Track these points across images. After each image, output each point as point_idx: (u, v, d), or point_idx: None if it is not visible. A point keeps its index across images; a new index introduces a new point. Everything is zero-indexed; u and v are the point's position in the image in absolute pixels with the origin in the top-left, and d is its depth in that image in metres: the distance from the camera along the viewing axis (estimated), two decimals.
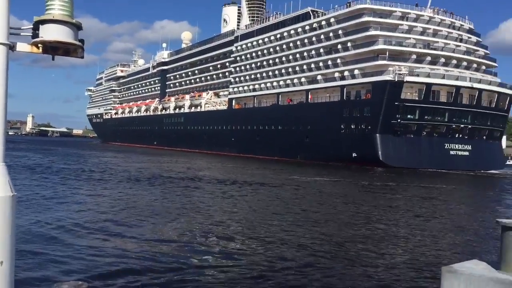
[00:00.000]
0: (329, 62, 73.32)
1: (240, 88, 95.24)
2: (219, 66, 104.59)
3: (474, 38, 72.56)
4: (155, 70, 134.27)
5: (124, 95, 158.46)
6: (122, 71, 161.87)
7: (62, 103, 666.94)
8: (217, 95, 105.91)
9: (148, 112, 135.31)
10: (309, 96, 76.05)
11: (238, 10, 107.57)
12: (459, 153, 65.39)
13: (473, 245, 15.43)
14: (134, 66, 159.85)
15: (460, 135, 65.98)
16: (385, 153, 61.42)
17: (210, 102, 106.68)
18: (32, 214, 16.93)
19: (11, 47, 3.53)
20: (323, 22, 74.75)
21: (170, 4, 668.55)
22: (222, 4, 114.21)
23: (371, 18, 66.03)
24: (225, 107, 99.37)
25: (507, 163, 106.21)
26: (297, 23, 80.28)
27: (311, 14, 77.76)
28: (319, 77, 75.03)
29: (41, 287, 8.98)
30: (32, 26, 3.79)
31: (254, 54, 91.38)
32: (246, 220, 18.09)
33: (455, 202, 29.55)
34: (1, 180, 3.25)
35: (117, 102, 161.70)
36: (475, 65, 69.78)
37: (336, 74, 71.31)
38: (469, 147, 66.01)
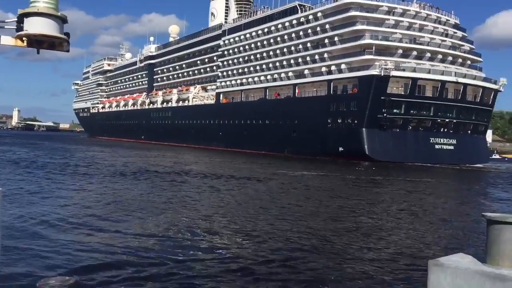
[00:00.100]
0: (316, 57, 73.50)
1: (228, 82, 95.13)
2: (206, 60, 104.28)
3: (459, 33, 73.13)
4: (142, 64, 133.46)
5: (111, 89, 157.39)
6: (109, 64, 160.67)
7: (48, 97, 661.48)
8: (204, 89, 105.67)
9: (136, 106, 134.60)
10: (297, 91, 76.22)
11: (226, 4, 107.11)
12: (444, 147, 66.04)
13: (459, 239, 15.56)
14: (121, 59, 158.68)
15: (445, 130, 66.58)
16: (371, 147, 61.84)
17: (197, 96, 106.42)
18: (16, 209, 16.80)
19: None
20: (310, 17, 74.84)
21: None
22: None
23: (358, 13, 66.22)
24: (212, 101, 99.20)
25: (493, 157, 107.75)
26: (285, 17, 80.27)
27: (299, 8, 77.79)
28: (306, 72, 75.20)
29: (26, 283, 8.93)
30: (16, 19, 3.70)
31: (241, 48, 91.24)
32: (232, 214, 18.09)
33: (441, 196, 29.76)
34: None
35: (104, 96, 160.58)
36: (460, 60, 70.35)
37: (323, 69, 71.51)
38: (454, 141, 66.67)
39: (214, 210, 19.00)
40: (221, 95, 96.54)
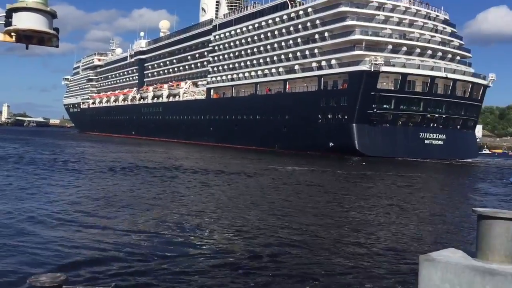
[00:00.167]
0: (307, 52, 73.62)
1: (219, 78, 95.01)
2: (197, 55, 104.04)
3: (449, 29, 73.55)
4: (133, 59, 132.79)
5: (101, 84, 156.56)
6: (99, 60, 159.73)
7: (38, 92, 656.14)
8: (195, 84, 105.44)
9: (126, 101, 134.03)
10: (287, 86, 76.32)
11: None
12: (434, 142, 66.51)
13: (449, 233, 15.61)
14: (112, 55, 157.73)
15: (435, 125, 67.03)
16: (362, 143, 62.14)
17: (188, 91, 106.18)
18: (4, 205, 16.69)
19: None
20: (301, 12, 74.88)
21: None
22: None
23: (348, 8, 66.35)
24: (203, 97, 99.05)
25: (483, 152, 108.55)
26: (275, 12, 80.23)
27: (289, 3, 77.73)
28: (296, 67, 75.32)
29: (16, 280, 8.87)
30: (4, 14, 3.65)
31: (232, 44, 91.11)
32: (222, 210, 18.04)
33: (431, 191, 29.96)
34: None
35: (95, 91, 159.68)
36: (450, 56, 70.77)
37: (314, 64, 71.65)
38: (444, 137, 67.14)
39: (204, 205, 18.94)
40: (211, 91, 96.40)
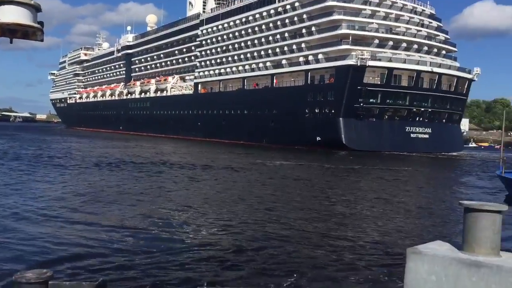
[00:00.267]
0: (294, 47, 73.70)
1: (206, 73, 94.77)
2: (184, 50, 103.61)
3: (435, 23, 74.02)
4: (119, 54, 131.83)
5: (88, 79, 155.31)
6: (86, 54, 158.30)
7: (24, 87, 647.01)
8: (183, 79, 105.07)
9: (113, 96, 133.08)
10: (274, 81, 76.39)
11: None
12: (420, 136, 67.05)
13: (436, 226, 15.70)
14: (99, 49, 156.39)
15: (421, 119, 67.52)
16: (348, 137, 62.47)
17: (176, 86, 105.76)
18: None
19: None
20: (288, 6, 74.84)
21: None
22: None
23: (335, 3, 66.42)
24: (191, 92, 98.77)
25: (469, 145, 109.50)
26: (262, 7, 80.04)
27: None
28: (284, 62, 75.38)
29: (1, 276, 8.80)
30: None
31: (219, 38, 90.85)
32: (209, 205, 18.02)
33: (417, 184, 30.16)
34: None
35: (81, 86, 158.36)
36: (435, 50, 71.24)
37: (301, 59, 71.77)
38: (429, 130, 67.69)
39: (190, 200, 18.93)
40: (199, 85, 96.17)
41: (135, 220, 14.58)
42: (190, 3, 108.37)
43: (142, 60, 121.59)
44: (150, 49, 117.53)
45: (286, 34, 75.17)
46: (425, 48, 69.59)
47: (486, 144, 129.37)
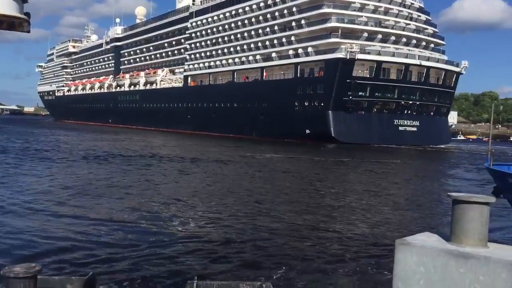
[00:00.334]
0: (284, 40, 73.62)
1: (196, 65, 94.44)
2: (174, 42, 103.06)
3: (423, 17, 74.30)
4: (108, 46, 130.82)
5: (77, 71, 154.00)
6: (74, 46, 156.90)
7: (12, 80, 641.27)
8: (172, 72, 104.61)
9: (102, 89, 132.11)
10: (264, 74, 76.32)
11: None
12: (408, 128, 67.50)
13: (424, 218, 15.83)
14: (87, 41, 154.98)
15: (409, 112, 67.91)
16: (337, 130, 62.70)
17: (165, 79, 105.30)
18: None
19: None
20: None
21: None
22: None
23: None
24: (180, 85, 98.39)
25: (457, 138, 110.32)
26: None
27: None
28: (273, 55, 75.30)
29: None
30: None
31: (209, 31, 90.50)
32: (199, 198, 17.97)
33: (406, 177, 30.33)
34: None
35: (70, 79, 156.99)
36: (424, 43, 71.55)
37: (291, 52, 71.73)
38: (417, 123, 68.15)
39: (180, 193, 18.89)
40: (189, 78, 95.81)
41: (123, 213, 14.51)
42: None
43: (131, 52, 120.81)
44: (139, 41, 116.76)
45: (276, 27, 75.05)
46: (414, 41, 69.87)
47: (474, 137, 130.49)
